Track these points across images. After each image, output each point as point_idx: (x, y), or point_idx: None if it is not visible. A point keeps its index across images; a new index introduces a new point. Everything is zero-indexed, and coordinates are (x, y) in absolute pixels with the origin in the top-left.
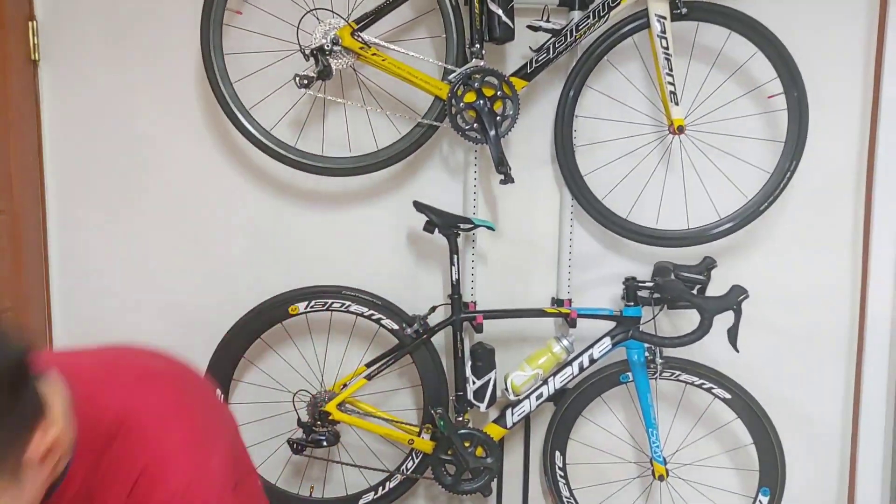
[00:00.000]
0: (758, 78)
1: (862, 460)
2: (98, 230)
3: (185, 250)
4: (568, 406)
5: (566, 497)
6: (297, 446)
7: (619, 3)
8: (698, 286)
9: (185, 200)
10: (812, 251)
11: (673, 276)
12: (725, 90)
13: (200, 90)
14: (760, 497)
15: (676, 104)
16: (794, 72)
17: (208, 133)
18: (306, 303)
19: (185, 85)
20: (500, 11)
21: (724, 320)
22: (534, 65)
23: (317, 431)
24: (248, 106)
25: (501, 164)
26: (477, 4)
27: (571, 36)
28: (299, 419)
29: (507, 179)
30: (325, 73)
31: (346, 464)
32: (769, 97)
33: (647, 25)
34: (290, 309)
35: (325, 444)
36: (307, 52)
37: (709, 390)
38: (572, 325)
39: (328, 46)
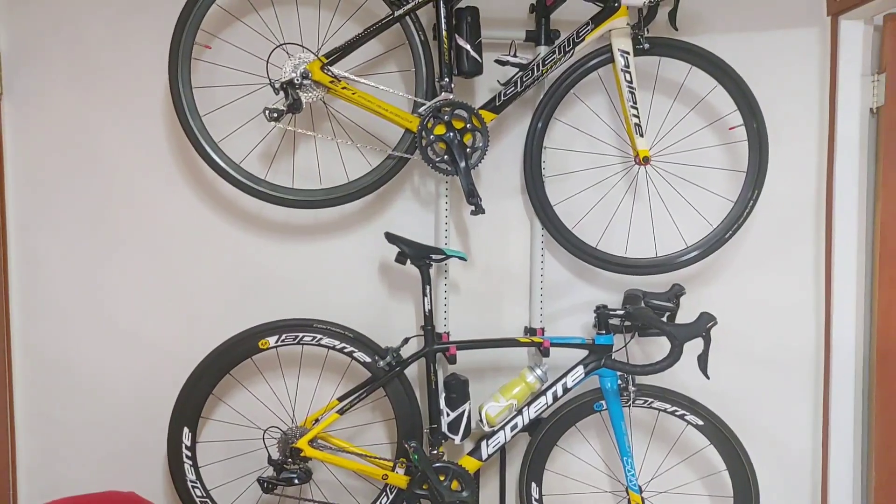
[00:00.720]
0: (719, 110)
1: (833, 481)
2: (61, 264)
3: (152, 284)
4: (543, 436)
5: None
6: (267, 485)
7: (583, 39)
8: (668, 313)
9: (153, 234)
10: (776, 277)
11: (643, 304)
12: (688, 122)
13: (168, 123)
14: None
15: (641, 136)
16: (753, 104)
17: (176, 166)
18: (277, 337)
19: (153, 118)
20: (468, 46)
21: (693, 347)
22: (502, 98)
23: (288, 469)
24: (217, 139)
25: (472, 196)
26: (445, 40)
27: (538, 70)
28: (270, 457)
29: (478, 210)
30: (294, 107)
31: (319, 502)
32: (730, 129)
33: (612, 60)
34: (260, 343)
35: (296, 481)
36: (277, 85)
37: (681, 417)
38: (545, 354)
39: (298, 80)
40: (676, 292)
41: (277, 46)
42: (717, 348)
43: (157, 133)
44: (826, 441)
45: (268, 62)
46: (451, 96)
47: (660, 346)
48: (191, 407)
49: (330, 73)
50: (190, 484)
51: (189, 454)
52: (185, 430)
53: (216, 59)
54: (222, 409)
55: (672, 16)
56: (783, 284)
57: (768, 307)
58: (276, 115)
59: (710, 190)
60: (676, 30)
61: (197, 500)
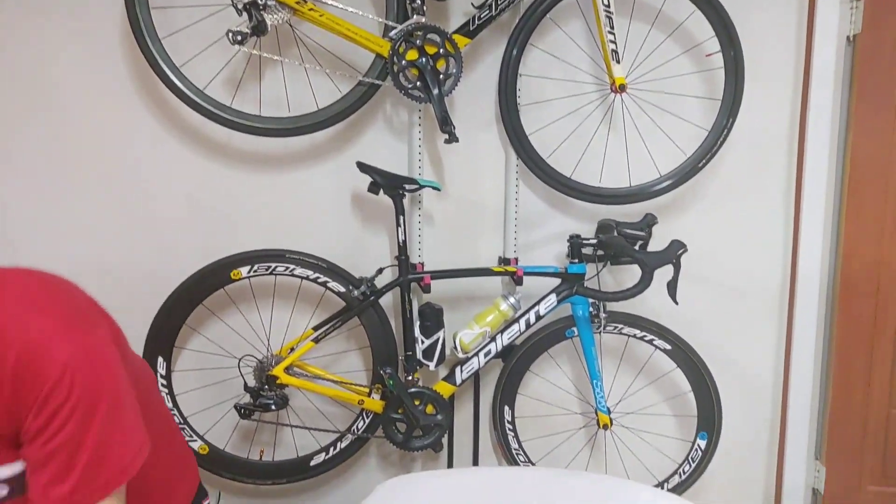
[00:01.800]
0: (696, 37)
1: (792, 405)
2: (21, 193)
3: (117, 215)
4: (516, 362)
5: (515, 449)
6: (244, 411)
7: None
8: (640, 242)
9: (116, 163)
10: (747, 207)
11: (616, 233)
12: (665, 49)
13: (127, 48)
14: (699, 441)
15: (618, 62)
16: (731, 30)
17: (138, 95)
18: (249, 267)
19: (111, 40)
20: None
21: (664, 274)
22: (476, 22)
23: (264, 395)
24: (179, 64)
25: (445, 123)
26: None
27: None
28: (246, 384)
29: (452, 139)
30: (259, 29)
31: (296, 426)
32: (707, 55)
33: None
34: (231, 274)
35: (273, 407)
36: (239, 6)
37: (650, 342)
38: (519, 283)
39: (262, 1)
40: (649, 221)
41: None
42: (686, 276)
43: (116, 59)
44: (788, 364)
45: None
46: (423, 19)
47: (631, 275)
48: (164, 337)
49: None
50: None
51: (164, 383)
52: (160, 359)
53: None
54: (197, 340)
55: None
56: (754, 214)
57: (738, 236)
58: (239, 37)
59: (684, 118)
60: None
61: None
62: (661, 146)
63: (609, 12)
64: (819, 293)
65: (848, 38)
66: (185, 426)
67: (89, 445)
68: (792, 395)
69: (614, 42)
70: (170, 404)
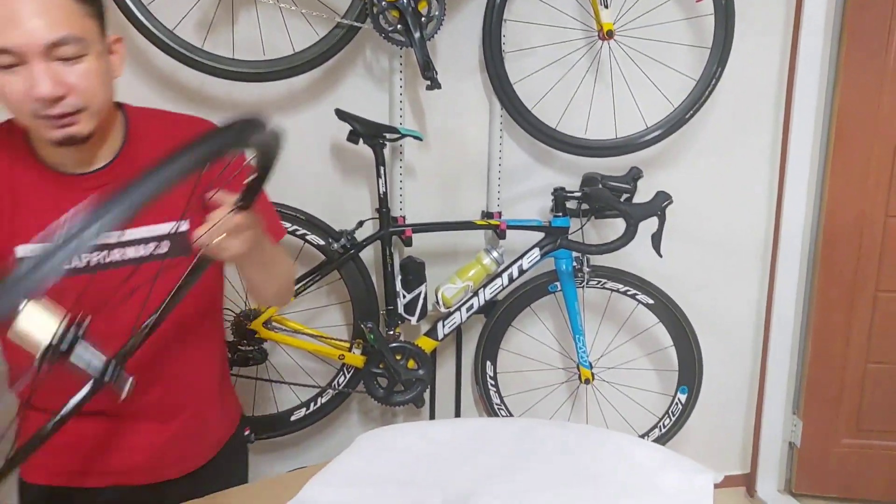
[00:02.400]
0: None
1: (771, 359)
2: None
3: None
4: (498, 317)
5: (497, 404)
6: None
7: None
8: (625, 195)
9: None
10: (733, 161)
11: (600, 186)
12: None
13: None
14: (679, 395)
15: (606, 7)
16: None
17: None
18: None
19: None
20: None
21: (648, 228)
22: None
23: (243, 350)
24: (145, 1)
25: (427, 69)
26: None
27: None
28: None
29: (434, 85)
30: None
31: (276, 381)
32: (697, 1)
33: None
34: None
35: (251, 362)
36: None
37: (633, 297)
38: (502, 237)
39: None
40: (634, 175)
41: None
42: (670, 230)
43: None
44: (768, 319)
45: None
46: None
47: (615, 230)
48: None
49: None
50: None
51: None
52: None
53: None
54: None
55: None
56: (740, 167)
57: (724, 190)
58: None
59: (672, 67)
60: None
61: None
62: (649, 96)
63: None
64: (802, 247)
65: None
66: None
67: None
68: (772, 349)
69: None
70: None
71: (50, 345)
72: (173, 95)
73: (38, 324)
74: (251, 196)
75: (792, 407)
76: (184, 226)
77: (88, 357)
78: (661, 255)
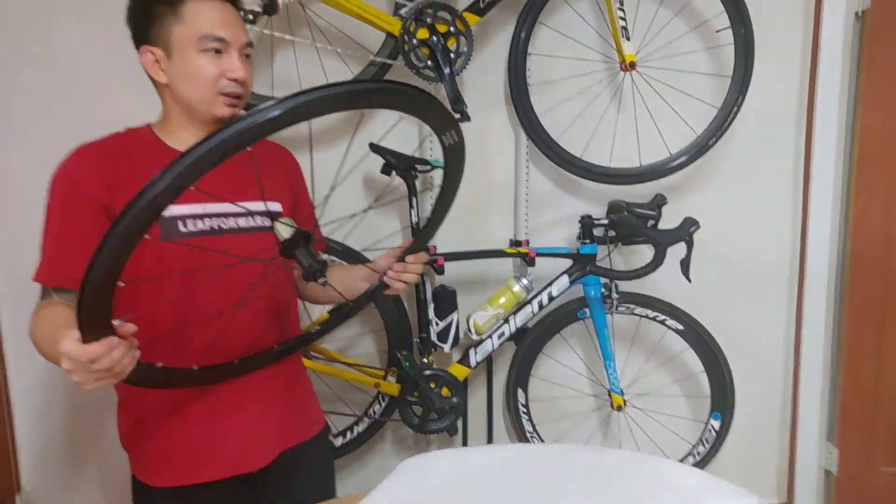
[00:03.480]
0: (703, 13)
1: (803, 385)
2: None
3: None
4: (528, 344)
5: (529, 432)
6: None
7: None
8: (651, 221)
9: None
10: (756, 185)
11: (626, 213)
12: (673, 26)
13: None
14: (712, 421)
15: (628, 39)
16: (741, 6)
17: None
18: None
19: (119, 21)
20: None
21: (676, 254)
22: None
23: None
24: None
25: (457, 102)
26: None
27: None
28: None
29: (464, 117)
30: (270, 8)
31: None
32: (717, 31)
33: None
34: None
35: None
36: None
37: (662, 322)
38: (531, 264)
39: None
40: (659, 202)
41: None
42: (695, 255)
43: (124, 41)
44: (798, 343)
45: None
46: None
47: (641, 257)
48: None
49: None
50: None
51: None
52: None
53: None
54: None
55: None
56: (763, 192)
57: (748, 215)
58: (251, 16)
59: (694, 96)
60: None
61: None
62: (670, 125)
63: None
64: (828, 271)
65: (857, 13)
66: None
67: None
68: (803, 375)
69: (624, 19)
70: None
71: (290, 238)
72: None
73: (283, 228)
74: (424, 242)
75: (826, 434)
76: (275, 206)
77: (306, 255)
78: (689, 280)
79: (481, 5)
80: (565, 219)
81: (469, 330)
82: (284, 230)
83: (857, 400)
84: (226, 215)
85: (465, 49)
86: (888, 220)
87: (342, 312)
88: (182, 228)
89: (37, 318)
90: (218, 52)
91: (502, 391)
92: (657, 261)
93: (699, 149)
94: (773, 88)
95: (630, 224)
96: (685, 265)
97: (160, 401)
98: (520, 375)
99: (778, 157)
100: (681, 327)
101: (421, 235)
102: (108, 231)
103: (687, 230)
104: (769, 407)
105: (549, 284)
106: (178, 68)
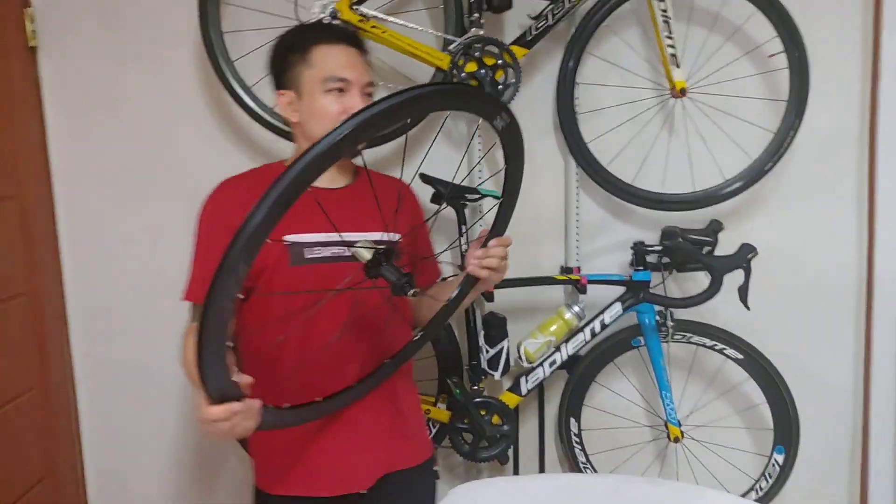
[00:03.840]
0: (755, 39)
1: (874, 418)
2: (108, 218)
3: (186, 228)
4: (581, 372)
5: (583, 463)
6: None
7: None
8: (707, 248)
9: (195, 188)
10: (817, 210)
11: (680, 240)
12: (724, 52)
13: (199, 70)
14: (775, 455)
15: (678, 66)
16: (793, 30)
17: (212, 117)
18: None
19: (183, 66)
20: None
21: (734, 280)
22: (533, 32)
23: None
24: (249, 84)
25: None
26: None
27: (569, 2)
28: None
29: None
30: None
31: None
32: (770, 56)
33: None
34: None
35: None
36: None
37: (720, 351)
38: (582, 291)
39: (328, 20)
40: (715, 228)
41: None
42: (755, 282)
43: (189, 81)
44: (868, 377)
45: (296, 2)
46: (481, 32)
47: (696, 283)
48: None
49: (359, 13)
50: None
51: None
52: None
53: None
54: None
55: None
56: (825, 216)
57: (809, 239)
58: None
59: (747, 121)
60: None
61: None
62: (723, 149)
63: (666, 17)
64: None
65: None
66: None
67: None
68: (874, 404)
69: (673, 46)
70: None
71: (371, 259)
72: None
73: (364, 251)
74: (502, 226)
75: None
76: (394, 236)
77: (391, 271)
78: (748, 308)
79: (528, 38)
80: (617, 245)
81: (520, 357)
82: (364, 252)
83: None
84: (347, 244)
85: (514, 80)
86: None
87: (436, 318)
88: (308, 255)
89: (186, 342)
90: (341, 91)
91: (554, 420)
92: (714, 288)
93: (755, 174)
94: (832, 107)
95: (685, 250)
96: (743, 292)
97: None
98: (572, 404)
99: (839, 179)
100: (740, 356)
101: (496, 221)
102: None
103: (744, 257)
104: (837, 440)
105: (602, 312)
106: (307, 108)
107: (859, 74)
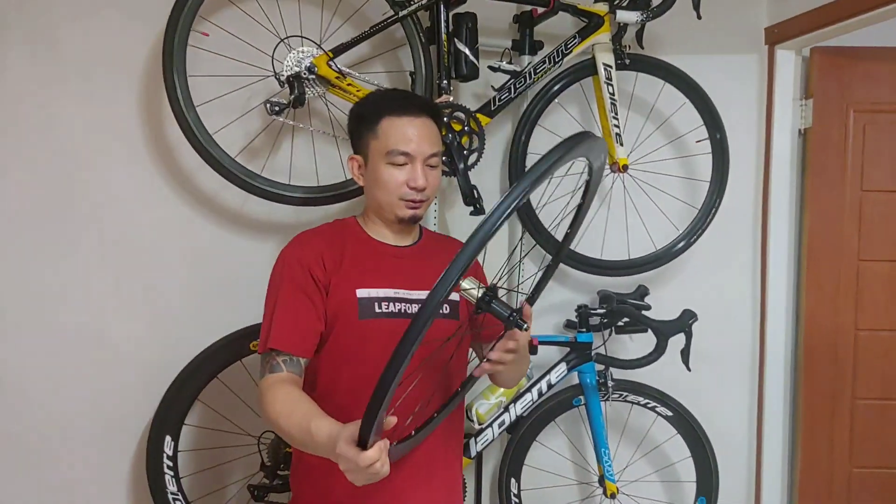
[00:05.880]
0: (679, 128)
1: (766, 467)
2: (14, 259)
3: (120, 285)
4: (524, 432)
5: None
6: (257, 492)
7: (571, 51)
8: (643, 311)
9: (121, 229)
10: (720, 280)
11: (616, 303)
12: (655, 137)
13: (141, 111)
14: None
15: (621, 145)
16: (717, 119)
17: (150, 158)
18: None
19: (124, 105)
20: (467, 50)
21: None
22: (496, 103)
23: (281, 475)
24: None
25: (471, 197)
26: (445, 43)
27: (530, 77)
28: (263, 462)
29: (479, 211)
30: (299, 101)
31: None
32: (697, 141)
33: (594, 73)
34: (251, 345)
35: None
36: (282, 78)
37: (653, 409)
38: (533, 352)
39: (305, 74)
40: (642, 292)
41: (282, 40)
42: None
43: (129, 121)
44: (760, 429)
45: (273, 55)
46: (450, 98)
47: (623, 345)
48: (174, 413)
49: (336, 69)
50: (171, 496)
51: (171, 465)
52: (167, 438)
53: (208, 46)
54: (208, 416)
55: (639, 36)
56: (725, 287)
57: (712, 307)
58: (277, 108)
59: (677, 197)
60: (643, 49)
61: None
62: (653, 222)
63: (614, 99)
64: (785, 358)
65: (799, 130)
66: None
67: None
68: (765, 456)
69: (618, 126)
70: (174, 487)
71: (482, 297)
72: (213, 216)
73: (472, 288)
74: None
75: None
76: (454, 295)
77: (500, 306)
78: (689, 369)
79: (492, 108)
80: (551, 307)
81: (471, 419)
82: (473, 290)
83: (813, 480)
84: (412, 301)
85: (478, 146)
86: (834, 312)
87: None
88: (377, 309)
89: (271, 394)
90: (404, 164)
91: (490, 481)
92: (659, 350)
93: (685, 243)
94: (733, 193)
95: (631, 314)
96: (685, 355)
97: (327, 465)
98: (513, 465)
99: (738, 255)
100: (670, 413)
101: (561, 246)
102: (400, 343)
103: (686, 322)
104: (734, 487)
105: (548, 372)
106: (371, 175)
107: (754, 165)
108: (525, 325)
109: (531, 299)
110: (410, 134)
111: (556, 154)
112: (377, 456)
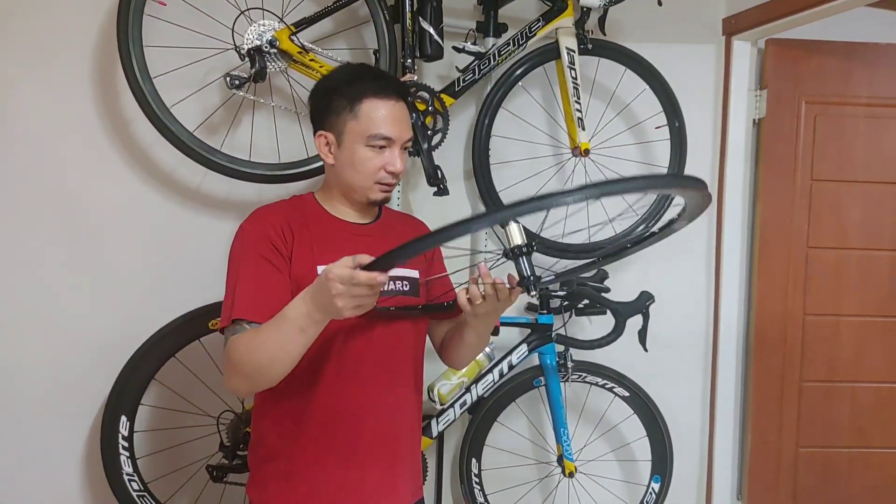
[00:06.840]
0: (639, 113)
1: (717, 449)
2: None
3: (76, 263)
4: (485, 413)
5: (481, 503)
6: (216, 472)
7: (535, 34)
8: (603, 293)
9: (76, 207)
10: (676, 266)
11: (576, 286)
12: (615, 123)
13: (94, 83)
14: (653, 484)
15: (583, 129)
16: (676, 106)
17: (104, 132)
18: None
19: (76, 77)
20: (432, 30)
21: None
22: (461, 84)
23: (240, 455)
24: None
25: (435, 177)
26: (410, 21)
27: (494, 59)
28: (222, 442)
29: (442, 192)
30: (260, 75)
31: None
32: (657, 128)
33: (558, 56)
34: (210, 324)
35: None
36: (243, 51)
37: (610, 390)
38: (495, 333)
39: (266, 47)
40: (602, 276)
41: (243, 12)
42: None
43: (82, 95)
44: (713, 410)
45: (233, 28)
46: (415, 77)
47: (582, 327)
48: (129, 393)
49: (298, 43)
50: (126, 477)
51: (126, 445)
52: (123, 418)
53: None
54: (166, 396)
55: (602, 22)
56: (682, 273)
57: (669, 292)
58: (237, 82)
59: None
60: (605, 35)
61: (134, 494)
62: (612, 206)
63: (576, 83)
64: (737, 342)
65: (754, 120)
66: (146, 493)
67: None
68: (717, 438)
69: (580, 110)
70: (129, 468)
71: (521, 244)
72: (172, 194)
73: (519, 234)
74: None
75: (736, 493)
76: (413, 273)
77: (526, 265)
78: (646, 350)
79: (456, 88)
80: None
81: (433, 399)
82: (518, 236)
83: (762, 460)
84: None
85: (442, 126)
86: (783, 297)
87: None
88: None
89: (233, 345)
90: (383, 147)
91: (451, 461)
92: (617, 331)
93: (644, 227)
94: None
95: (591, 295)
96: (642, 336)
97: (289, 447)
98: (474, 445)
99: (694, 242)
100: (627, 394)
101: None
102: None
103: (644, 303)
104: (687, 468)
105: (509, 353)
106: (346, 156)
107: (710, 153)
108: (534, 294)
109: (524, 283)
110: (393, 118)
111: (651, 182)
112: (366, 280)
